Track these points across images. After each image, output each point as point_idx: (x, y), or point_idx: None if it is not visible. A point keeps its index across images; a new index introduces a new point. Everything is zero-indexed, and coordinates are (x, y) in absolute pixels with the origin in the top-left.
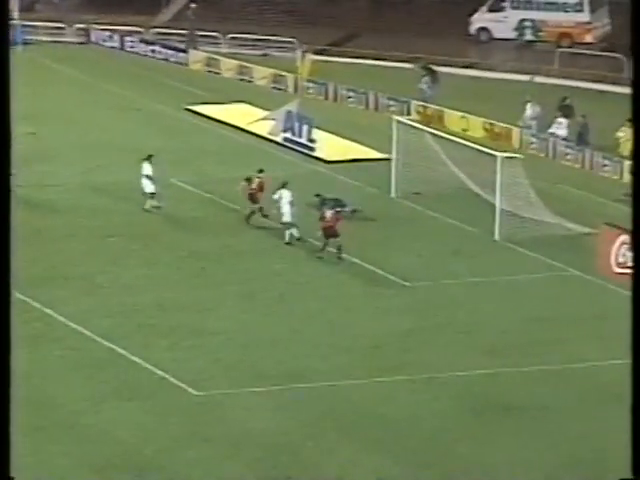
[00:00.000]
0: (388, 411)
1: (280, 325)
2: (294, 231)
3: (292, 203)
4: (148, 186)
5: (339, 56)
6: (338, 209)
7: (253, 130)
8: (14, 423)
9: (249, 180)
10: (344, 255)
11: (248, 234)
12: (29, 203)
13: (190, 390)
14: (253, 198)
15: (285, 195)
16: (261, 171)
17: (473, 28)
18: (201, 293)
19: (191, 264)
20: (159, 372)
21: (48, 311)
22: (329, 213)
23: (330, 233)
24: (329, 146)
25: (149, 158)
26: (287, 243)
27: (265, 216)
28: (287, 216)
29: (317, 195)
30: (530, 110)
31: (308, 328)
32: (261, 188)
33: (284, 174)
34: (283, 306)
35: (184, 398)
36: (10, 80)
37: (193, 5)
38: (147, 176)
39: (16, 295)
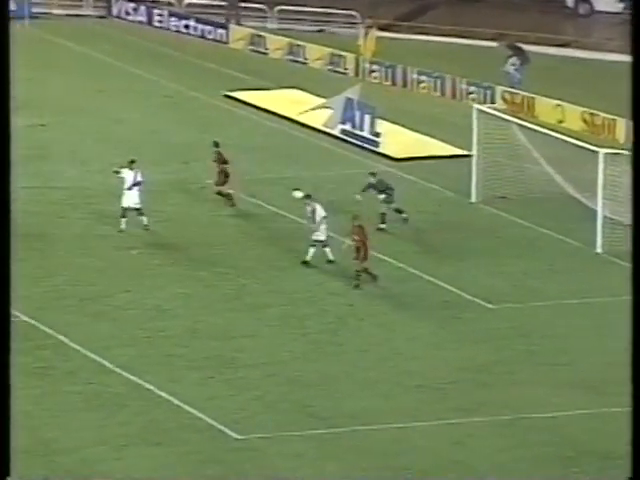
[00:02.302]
0: (464, 458)
1: (334, 356)
2: (327, 250)
3: (326, 218)
4: (128, 199)
5: (409, 32)
6: (384, 197)
7: (305, 121)
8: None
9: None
10: (415, 272)
11: (298, 246)
12: (32, 208)
13: (230, 433)
14: (225, 176)
15: (318, 208)
16: (216, 144)
17: None
18: (240, 317)
19: (229, 282)
20: (192, 411)
21: (60, 338)
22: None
23: (364, 253)
24: (397, 141)
25: (131, 164)
26: (330, 261)
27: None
28: (323, 234)
29: (372, 174)
30: None
31: (367, 360)
32: (225, 161)
33: (342, 174)
34: (337, 334)
35: (223, 443)
36: (10, 76)
37: None
38: (129, 187)
39: (20, 317)
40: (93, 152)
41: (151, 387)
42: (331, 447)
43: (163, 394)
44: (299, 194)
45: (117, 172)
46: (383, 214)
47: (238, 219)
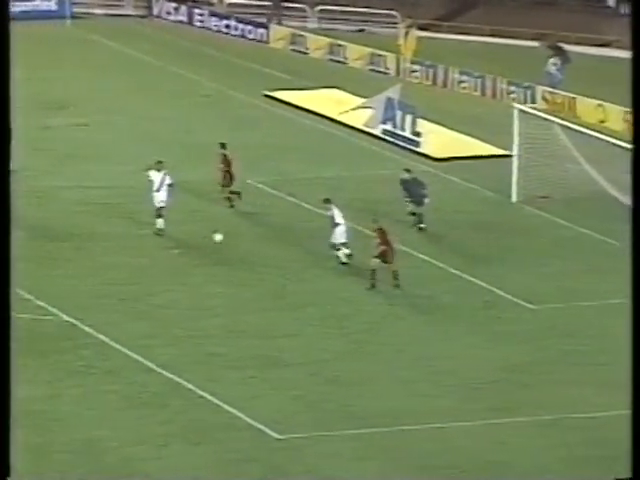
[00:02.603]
0: (505, 458)
1: (373, 356)
2: (346, 251)
3: (340, 223)
4: (158, 200)
5: (450, 32)
6: (408, 200)
7: (346, 121)
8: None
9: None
10: (455, 272)
11: None
12: (72, 208)
13: (270, 433)
14: (230, 177)
15: (336, 213)
16: (223, 146)
17: None
18: (280, 316)
19: (268, 282)
20: (232, 410)
21: (101, 337)
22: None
23: (389, 256)
24: (437, 140)
25: (158, 165)
26: (344, 263)
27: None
28: (341, 236)
29: (407, 170)
30: None
31: (407, 360)
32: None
33: (382, 173)
34: (377, 333)
35: (263, 442)
36: (10, 76)
37: None
38: (157, 189)
39: (61, 317)
40: (133, 151)
41: (191, 386)
42: (371, 447)
43: (203, 393)
44: (219, 237)
45: (147, 174)
46: (420, 214)
47: (279, 218)
